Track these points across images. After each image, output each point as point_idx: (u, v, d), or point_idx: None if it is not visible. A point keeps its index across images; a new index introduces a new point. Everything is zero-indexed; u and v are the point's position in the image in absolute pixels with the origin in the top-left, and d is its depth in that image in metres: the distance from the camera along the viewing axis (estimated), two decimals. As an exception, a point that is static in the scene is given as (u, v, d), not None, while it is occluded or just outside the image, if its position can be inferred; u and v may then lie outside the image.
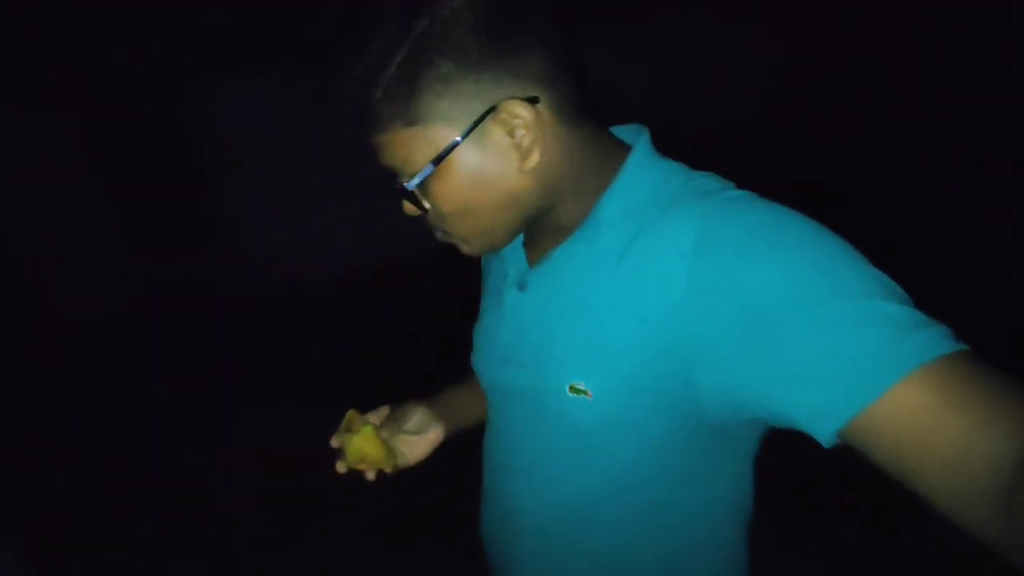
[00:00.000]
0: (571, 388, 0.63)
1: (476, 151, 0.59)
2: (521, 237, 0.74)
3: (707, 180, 0.61)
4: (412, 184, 0.60)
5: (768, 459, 0.71)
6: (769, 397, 0.50)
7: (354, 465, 0.80)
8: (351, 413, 0.82)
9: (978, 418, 0.41)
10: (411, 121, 0.57)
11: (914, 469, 0.44)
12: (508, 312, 0.72)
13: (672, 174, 0.63)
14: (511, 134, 0.58)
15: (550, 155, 0.61)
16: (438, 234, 0.68)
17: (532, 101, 0.57)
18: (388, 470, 0.83)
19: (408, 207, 0.65)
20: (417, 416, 0.87)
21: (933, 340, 0.44)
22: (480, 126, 0.57)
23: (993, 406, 0.42)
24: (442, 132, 0.57)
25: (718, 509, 0.70)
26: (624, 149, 0.66)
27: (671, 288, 0.55)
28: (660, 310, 0.56)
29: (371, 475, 0.83)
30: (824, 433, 0.47)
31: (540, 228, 0.69)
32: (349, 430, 0.80)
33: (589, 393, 0.62)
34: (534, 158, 0.59)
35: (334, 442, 0.82)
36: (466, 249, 0.67)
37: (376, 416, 0.87)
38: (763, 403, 0.50)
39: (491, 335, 0.76)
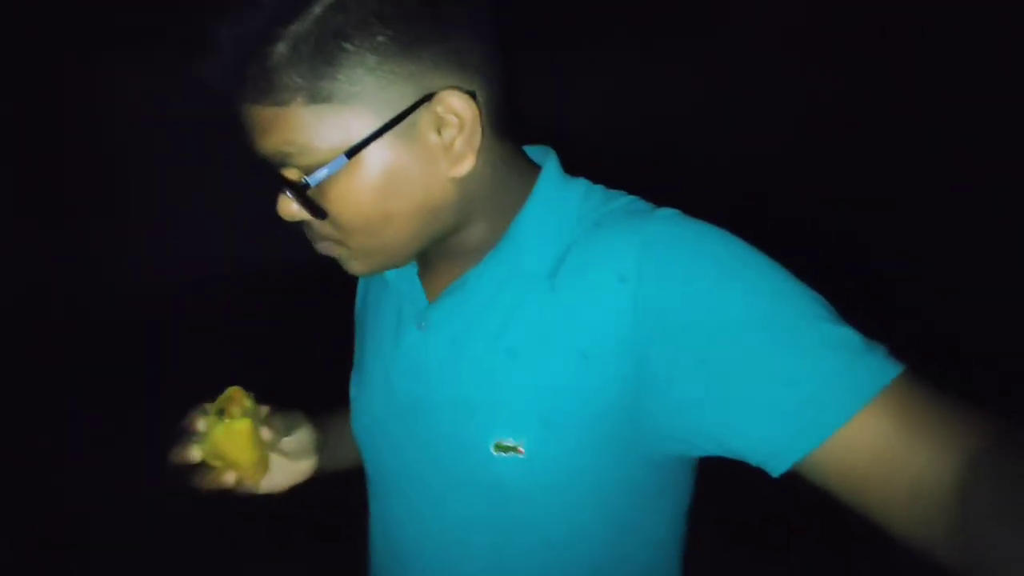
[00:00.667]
0: (497, 446, 0.54)
1: (397, 147, 0.48)
2: (414, 266, 0.63)
3: (627, 199, 0.57)
4: (316, 179, 0.47)
5: (716, 494, 0.65)
6: (723, 429, 0.46)
7: (209, 460, 0.61)
8: (232, 391, 0.62)
9: (940, 444, 0.41)
10: (320, 97, 0.45)
11: (876, 499, 0.43)
12: (407, 356, 0.60)
13: (589, 192, 0.58)
14: (439, 131, 0.49)
15: (479, 163, 0.52)
16: (321, 245, 0.55)
17: (471, 96, 0.49)
18: (248, 482, 0.64)
19: (287, 207, 0.51)
20: (300, 436, 0.70)
21: (882, 363, 0.43)
22: (408, 117, 0.47)
23: (950, 431, 0.41)
24: (360, 117, 0.46)
25: (660, 551, 0.64)
26: (534, 168, 0.59)
27: (615, 317, 0.49)
28: (603, 343, 0.50)
29: (229, 479, 0.62)
30: (780, 466, 0.45)
31: (441, 253, 0.58)
32: (221, 412, 0.61)
33: (520, 449, 0.53)
34: (466, 164, 0.50)
35: (200, 424, 0.61)
36: (356, 268, 0.56)
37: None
38: (716, 435, 0.47)
39: (384, 386, 0.63)
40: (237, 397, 0.62)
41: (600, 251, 0.52)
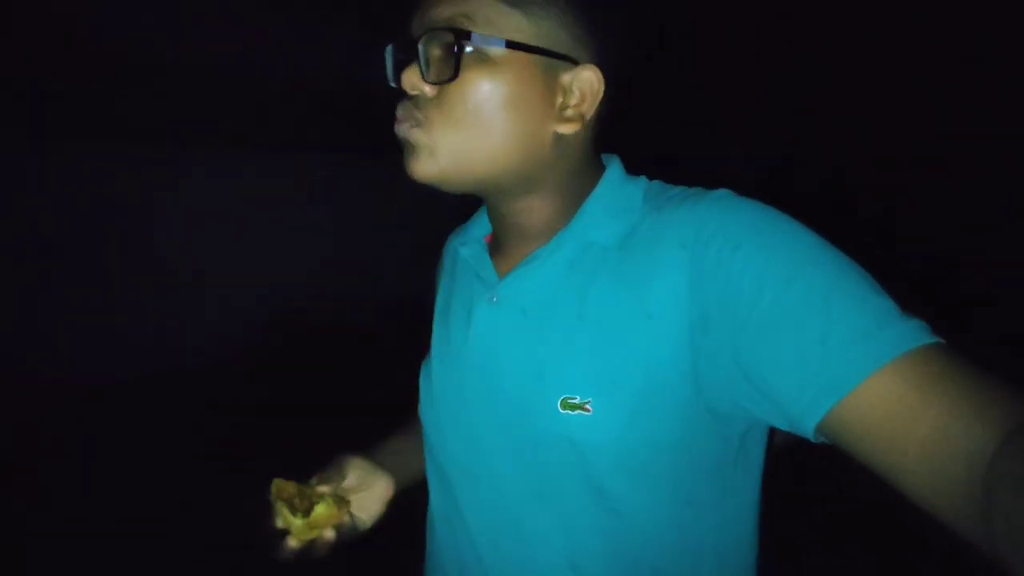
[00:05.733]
0: (563, 403, 0.55)
1: (535, 74, 0.55)
2: (486, 247, 0.69)
3: (683, 187, 0.61)
4: (478, 40, 0.53)
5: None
6: (759, 383, 0.49)
7: (309, 536, 0.66)
8: (279, 483, 0.67)
9: (952, 407, 0.41)
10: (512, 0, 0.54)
11: (891, 458, 0.44)
12: (478, 332, 0.63)
13: (650, 184, 0.64)
14: (564, 93, 0.57)
15: (576, 138, 0.60)
16: (405, 126, 0.58)
17: (604, 82, 0.58)
18: (340, 521, 0.68)
19: (412, 78, 0.56)
20: (354, 471, 0.73)
21: (912, 331, 0.45)
22: (556, 61, 0.56)
23: (968, 396, 0.41)
24: (528, 32, 0.54)
25: (731, 530, 0.61)
26: (601, 167, 0.65)
27: (676, 278, 0.53)
28: (665, 302, 0.54)
29: (328, 535, 0.67)
30: (809, 422, 0.47)
31: (512, 234, 0.64)
32: (280, 499, 0.66)
33: (588, 408, 0.54)
34: (570, 127, 0.58)
35: (279, 522, 0.66)
36: (421, 165, 0.57)
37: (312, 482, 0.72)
38: (754, 391, 0.50)
39: (454, 369, 0.65)
40: (283, 486, 0.67)
41: (663, 226, 0.56)
